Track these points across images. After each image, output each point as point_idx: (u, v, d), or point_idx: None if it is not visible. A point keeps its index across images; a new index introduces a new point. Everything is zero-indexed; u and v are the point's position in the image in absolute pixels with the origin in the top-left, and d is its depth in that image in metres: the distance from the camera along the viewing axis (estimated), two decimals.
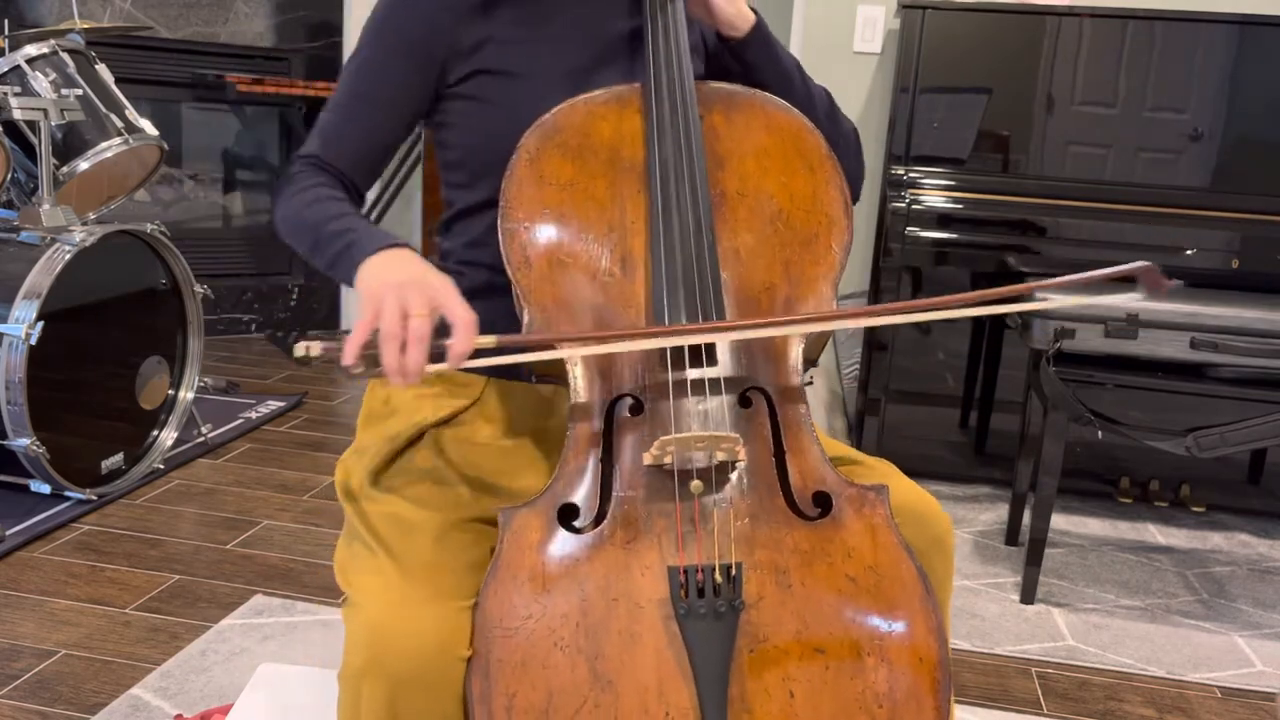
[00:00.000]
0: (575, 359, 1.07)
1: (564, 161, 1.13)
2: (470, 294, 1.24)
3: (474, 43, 1.20)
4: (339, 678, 0.96)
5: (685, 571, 0.96)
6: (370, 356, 0.95)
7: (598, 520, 1.01)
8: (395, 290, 0.96)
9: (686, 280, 1.07)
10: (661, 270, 1.07)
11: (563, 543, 0.99)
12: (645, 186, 1.12)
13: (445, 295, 0.97)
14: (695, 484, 1.00)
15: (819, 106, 1.28)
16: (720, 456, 1.01)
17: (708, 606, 0.95)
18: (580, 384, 1.06)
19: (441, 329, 0.97)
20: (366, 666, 0.93)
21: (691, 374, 1.05)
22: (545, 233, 1.11)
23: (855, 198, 1.25)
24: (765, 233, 1.13)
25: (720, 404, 1.05)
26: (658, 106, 1.15)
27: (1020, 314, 2.36)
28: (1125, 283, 1.08)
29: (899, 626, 0.99)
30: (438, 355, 0.96)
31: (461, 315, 0.96)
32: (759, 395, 1.07)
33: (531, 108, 1.17)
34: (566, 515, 1.01)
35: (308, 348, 0.97)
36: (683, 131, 1.14)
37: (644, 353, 1.06)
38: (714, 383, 1.06)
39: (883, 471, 1.18)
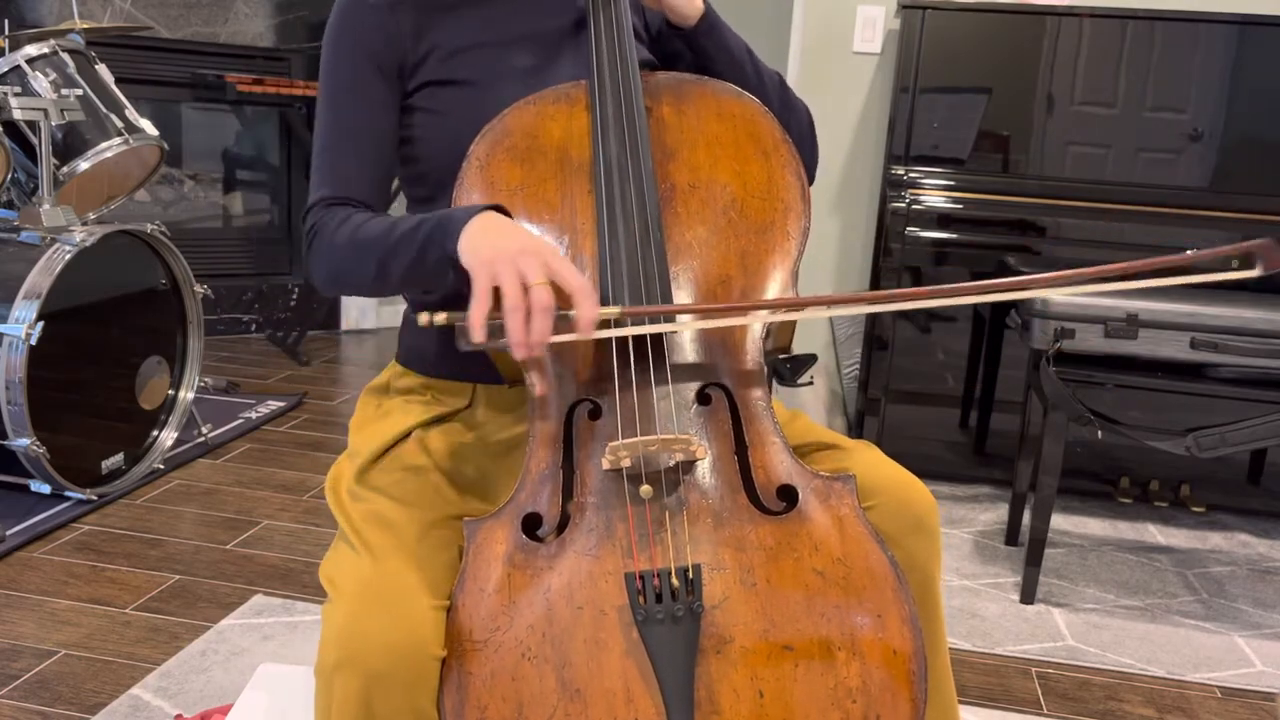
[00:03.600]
0: (530, 369, 1.05)
1: (513, 165, 1.11)
2: (443, 305, 1.24)
3: (422, 53, 1.18)
4: (314, 672, 0.97)
5: (642, 577, 0.95)
6: (494, 326, 0.94)
7: (560, 528, 1.00)
8: (510, 258, 0.94)
9: (632, 281, 1.05)
10: (608, 272, 1.06)
11: (527, 552, 0.98)
12: (594, 186, 1.11)
13: (558, 261, 0.95)
14: (645, 488, 0.98)
15: (771, 90, 1.26)
16: (678, 457, 1.00)
17: (665, 611, 0.93)
18: (537, 391, 1.05)
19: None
20: (340, 661, 0.93)
21: (645, 375, 1.04)
22: None
23: (810, 180, 1.23)
24: (719, 223, 1.11)
25: (678, 404, 1.04)
26: (601, 103, 1.13)
27: (1017, 309, 2.36)
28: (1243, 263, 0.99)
29: (870, 619, 0.97)
30: (560, 326, 0.95)
31: (578, 283, 0.94)
32: (718, 391, 1.05)
33: (488, 114, 1.15)
34: (530, 524, 1.00)
35: (431, 318, 0.97)
36: (627, 127, 1.12)
37: (598, 355, 1.05)
38: (671, 383, 1.04)
39: (863, 454, 1.14)
